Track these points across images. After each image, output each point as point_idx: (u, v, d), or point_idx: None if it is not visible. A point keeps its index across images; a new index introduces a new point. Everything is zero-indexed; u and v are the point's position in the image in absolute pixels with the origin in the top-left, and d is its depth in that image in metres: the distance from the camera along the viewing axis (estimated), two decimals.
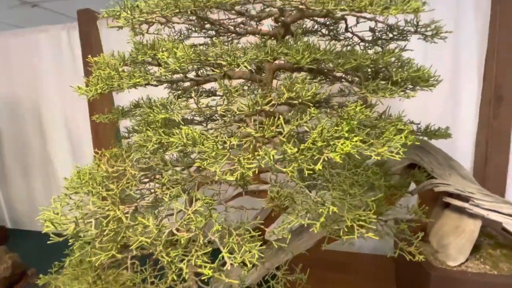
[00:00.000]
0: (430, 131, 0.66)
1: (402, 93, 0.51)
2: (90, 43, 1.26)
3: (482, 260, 0.65)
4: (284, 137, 0.42)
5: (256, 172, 0.63)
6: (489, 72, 0.97)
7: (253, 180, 0.63)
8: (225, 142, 0.45)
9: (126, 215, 0.50)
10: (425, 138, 0.71)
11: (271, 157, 0.40)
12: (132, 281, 0.56)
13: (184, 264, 0.45)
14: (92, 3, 1.29)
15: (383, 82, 0.51)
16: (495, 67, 0.95)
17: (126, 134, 0.82)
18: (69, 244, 0.54)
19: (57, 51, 1.35)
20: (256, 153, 0.43)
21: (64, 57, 1.35)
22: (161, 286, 0.51)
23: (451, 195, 0.68)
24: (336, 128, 0.40)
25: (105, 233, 0.49)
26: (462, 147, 1.04)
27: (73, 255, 0.58)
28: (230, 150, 0.45)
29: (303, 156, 0.39)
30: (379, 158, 0.38)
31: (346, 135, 0.39)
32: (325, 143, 0.39)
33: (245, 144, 0.47)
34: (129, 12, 0.49)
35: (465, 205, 0.65)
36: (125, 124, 0.97)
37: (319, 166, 0.38)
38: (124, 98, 0.90)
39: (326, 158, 0.39)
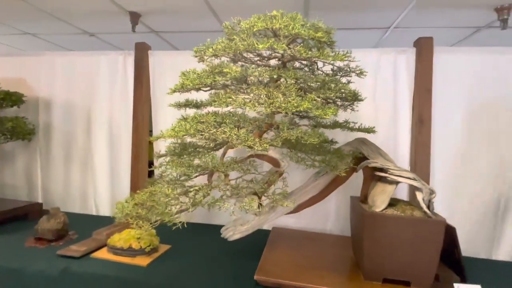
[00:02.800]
0: (365, 128, 1.12)
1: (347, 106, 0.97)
2: (142, 66, 1.74)
3: (395, 209, 1.07)
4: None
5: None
6: (415, 105, 1.47)
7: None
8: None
9: None
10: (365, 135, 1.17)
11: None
12: None
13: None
14: (136, 39, 1.80)
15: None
16: (418, 102, 1.46)
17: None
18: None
19: (113, 70, 1.82)
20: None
21: (118, 75, 1.81)
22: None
23: (379, 170, 1.11)
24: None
25: None
26: (402, 152, 1.51)
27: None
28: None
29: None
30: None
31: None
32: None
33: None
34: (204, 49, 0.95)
35: (385, 174, 1.08)
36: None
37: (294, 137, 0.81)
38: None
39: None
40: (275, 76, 0.94)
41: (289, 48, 0.80)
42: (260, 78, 0.90)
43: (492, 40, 1.86)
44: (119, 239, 1.26)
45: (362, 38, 2.05)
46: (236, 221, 1.21)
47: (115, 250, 1.24)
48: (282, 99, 0.76)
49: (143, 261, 1.20)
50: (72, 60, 1.88)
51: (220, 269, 1.18)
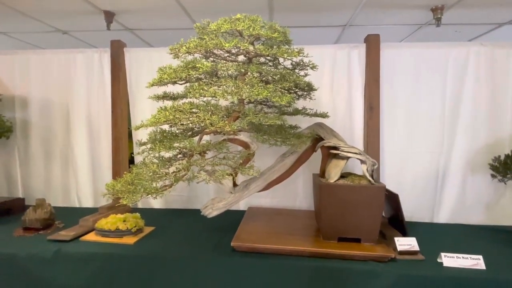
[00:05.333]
0: (320, 114, 1.32)
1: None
2: (118, 63, 1.83)
3: (346, 180, 1.28)
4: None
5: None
6: (366, 94, 1.70)
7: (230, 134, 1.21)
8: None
9: None
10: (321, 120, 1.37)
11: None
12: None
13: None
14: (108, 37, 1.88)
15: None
16: (367, 90, 1.69)
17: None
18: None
19: (90, 67, 1.89)
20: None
21: (95, 72, 1.89)
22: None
23: (333, 149, 1.32)
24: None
25: None
26: (357, 135, 1.74)
27: None
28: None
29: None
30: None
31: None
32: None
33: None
34: (178, 47, 1.09)
35: (337, 151, 1.29)
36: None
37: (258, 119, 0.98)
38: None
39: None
40: (242, 70, 1.10)
41: (252, 47, 0.96)
42: (229, 72, 1.06)
43: (432, 36, 2.14)
44: (106, 222, 1.37)
45: (324, 35, 2.26)
46: (214, 199, 1.37)
47: (103, 233, 1.35)
48: (246, 89, 0.93)
49: (130, 240, 1.33)
50: (47, 58, 1.92)
51: (201, 242, 1.34)
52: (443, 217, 1.73)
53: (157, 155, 1.05)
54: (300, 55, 1.05)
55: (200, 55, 1.20)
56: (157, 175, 0.94)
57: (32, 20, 1.99)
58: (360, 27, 2.08)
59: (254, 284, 1.15)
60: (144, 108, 1.88)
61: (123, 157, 1.86)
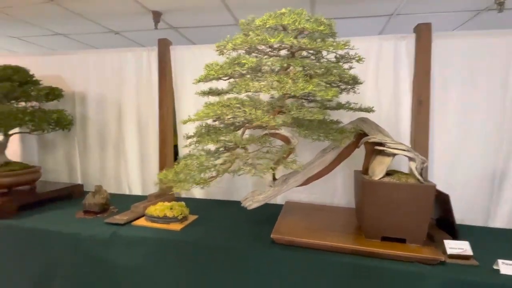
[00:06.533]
0: (365, 108, 1.28)
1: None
2: (165, 60, 1.93)
3: (392, 178, 1.23)
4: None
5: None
6: (414, 87, 1.60)
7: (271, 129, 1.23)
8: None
9: None
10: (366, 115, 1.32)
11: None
12: None
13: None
14: (156, 36, 1.98)
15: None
16: (417, 84, 1.59)
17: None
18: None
19: (139, 65, 2.02)
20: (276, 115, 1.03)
21: (143, 69, 2.02)
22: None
23: (378, 145, 1.27)
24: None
25: None
26: (403, 130, 1.65)
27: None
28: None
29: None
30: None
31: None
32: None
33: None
34: (224, 44, 1.13)
35: (383, 148, 1.24)
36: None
37: (302, 114, 0.98)
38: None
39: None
40: (285, 65, 1.11)
41: (297, 41, 0.96)
42: (272, 67, 1.07)
43: (491, 23, 1.93)
44: (155, 209, 1.48)
45: (367, 27, 2.17)
46: (254, 192, 1.40)
47: (152, 219, 1.46)
48: (291, 83, 0.93)
49: (176, 226, 1.42)
50: (102, 57, 2.09)
51: (241, 232, 1.38)
52: (500, 221, 1.59)
53: (203, 148, 1.10)
54: (346, 47, 1.02)
55: (244, 51, 1.23)
56: (205, 167, 0.99)
57: (88, 22, 2.18)
58: (408, 16, 1.96)
59: (293, 277, 1.17)
60: (187, 103, 1.97)
61: (169, 149, 1.98)
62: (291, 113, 0.93)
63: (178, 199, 1.91)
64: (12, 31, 2.44)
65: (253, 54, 1.24)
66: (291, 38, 0.95)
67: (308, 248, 1.20)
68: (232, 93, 1.32)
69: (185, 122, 1.20)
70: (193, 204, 1.64)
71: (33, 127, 1.76)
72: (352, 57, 1.17)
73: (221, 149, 1.27)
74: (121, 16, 2.05)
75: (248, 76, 1.14)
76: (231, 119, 1.33)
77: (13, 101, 1.85)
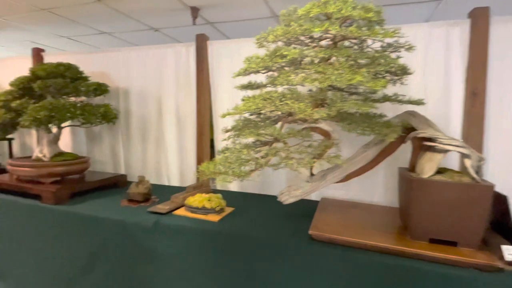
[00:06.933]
0: (414, 101, 1.19)
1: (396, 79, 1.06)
2: (202, 55, 1.97)
3: (443, 176, 1.14)
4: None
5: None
6: (468, 78, 1.47)
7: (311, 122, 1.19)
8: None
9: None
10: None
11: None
12: None
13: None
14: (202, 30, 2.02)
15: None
16: (472, 75, 1.45)
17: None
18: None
19: (178, 60, 2.08)
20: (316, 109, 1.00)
21: (181, 65, 2.08)
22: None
23: (428, 140, 1.18)
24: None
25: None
26: (454, 125, 1.53)
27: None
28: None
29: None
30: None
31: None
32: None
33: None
34: (265, 36, 1.11)
35: (434, 144, 1.15)
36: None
37: (347, 107, 0.94)
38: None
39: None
40: (326, 56, 1.06)
41: (344, 29, 0.92)
42: (312, 59, 1.04)
43: None
44: (194, 200, 1.52)
45: (413, 14, 2.02)
46: (290, 187, 1.39)
47: (191, 209, 1.51)
48: (336, 74, 0.89)
49: (214, 217, 1.45)
50: (144, 53, 2.18)
51: (278, 226, 1.38)
52: None
53: (242, 141, 1.10)
54: (395, 35, 0.96)
55: (282, 43, 1.20)
56: (246, 160, 0.99)
57: (131, 20, 2.29)
58: (460, 0, 1.79)
59: (331, 276, 1.14)
60: (223, 98, 1.99)
61: (205, 143, 2.02)
62: (337, 105, 0.89)
63: (214, 191, 1.95)
64: (61, 31, 2.64)
65: (292, 46, 1.21)
66: (337, 27, 0.90)
67: (348, 247, 1.16)
68: (271, 86, 1.31)
69: (224, 116, 1.21)
70: (228, 196, 1.66)
71: (83, 120, 1.89)
72: (401, 45, 1.09)
73: (257, 142, 1.27)
74: (161, 13, 2.13)
75: (287, 68, 1.12)
76: (269, 112, 1.32)
77: (64, 96, 2.00)
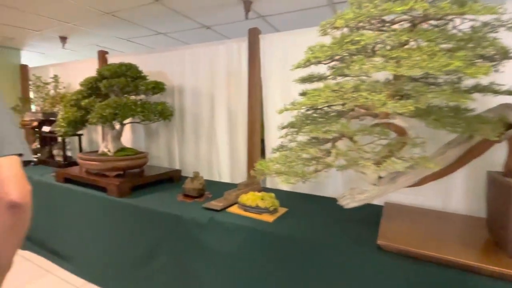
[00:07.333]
0: None
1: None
2: (255, 50, 1.91)
3: None
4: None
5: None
6: None
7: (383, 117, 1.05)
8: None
9: None
10: None
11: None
12: None
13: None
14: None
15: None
16: None
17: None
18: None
19: (230, 57, 2.06)
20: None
21: (233, 61, 2.05)
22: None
23: None
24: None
25: None
26: None
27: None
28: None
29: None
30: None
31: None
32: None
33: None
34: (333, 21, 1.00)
35: None
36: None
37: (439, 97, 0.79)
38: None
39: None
40: (407, 39, 0.91)
41: (431, 7, 0.77)
42: (386, 45, 0.90)
43: None
44: (247, 198, 1.48)
45: None
46: (353, 190, 1.26)
47: (245, 207, 1.47)
48: (427, 59, 0.75)
49: (268, 218, 1.39)
50: (196, 51, 2.21)
51: (338, 231, 1.26)
52: None
53: (297, 138, 1.02)
54: (499, 11, 0.77)
55: (347, 29, 1.08)
56: (308, 159, 0.91)
57: (184, 18, 2.33)
58: None
59: None
60: (274, 93, 1.92)
61: (256, 139, 1.98)
62: (427, 96, 0.75)
63: (264, 189, 1.90)
64: (121, 33, 2.81)
65: (360, 32, 1.08)
66: (425, 4, 0.76)
67: (424, 261, 1.01)
68: (333, 78, 1.19)
69: (281, 112, 1.13)
70: (279, 195, 1.59)
71: (142, 117, 1.98)
72: (502, 23, 0.89)
73: (313, 140, 1.17)
74: (215, 9, 2.12)
75: (355, 57, 0.99)
76: (327, 107, 1.21)
77: (126, 95, 2.12)
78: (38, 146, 2.97)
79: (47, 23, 2.51)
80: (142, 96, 2.21)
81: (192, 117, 2.30)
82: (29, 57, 3.67)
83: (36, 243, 2.26)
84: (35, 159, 2.79)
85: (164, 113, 2.09)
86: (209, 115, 2.21)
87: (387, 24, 1.06)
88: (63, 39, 2.93)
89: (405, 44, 0.98)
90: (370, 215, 1.42)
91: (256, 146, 1.99)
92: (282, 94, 1.89)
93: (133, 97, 2.15)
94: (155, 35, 2.83)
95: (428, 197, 1.53)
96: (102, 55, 2.69)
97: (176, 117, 2.35)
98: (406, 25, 1.01)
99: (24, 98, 3.42)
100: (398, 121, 1.01)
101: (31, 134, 3.18)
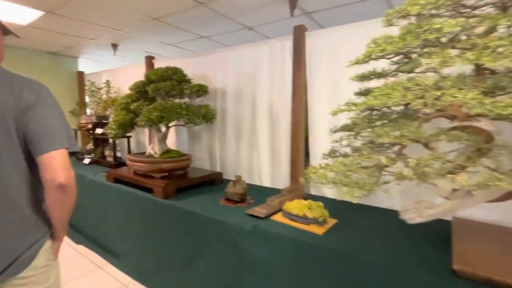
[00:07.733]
0: None
1: None
2: (300, 48, 1.82)
3: None
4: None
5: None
6: None
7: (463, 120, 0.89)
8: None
9: None
10: None
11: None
12: None
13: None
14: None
15: None
16: None
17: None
18: None
19: (273, 57, 1.99)
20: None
21: (277, 61, 1.97)
22: None
23: None
24: None
25: None
26: None
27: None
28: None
29: None
30: None
31: None
32: None
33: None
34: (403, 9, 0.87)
35: None
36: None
37: None
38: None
39: None
40: (491, 26, 0.75)
41: None
42: (478, 31, 0.75)
43: None
44: (293, 207, 1.39)
45: None
46: (419, 203, 1.10)
47: (291, 216, 1.38)
48: None
49: (317, 229, 1.28)
50: (239, 53, 2.18)
51: (400, 250, 1.11)
52: None
53: (348, 144, 0.90)
54: None
55: (415, 18, 0.94)
56: (373, 169, 0.79)
57: (227, 20, 2.31)
58: None
59: None
60: (320, 93, 1.80)
61: (301, 143, 1.88)
62: None
63: (308, 195, 1.79)
64: (167, 39, 2.89)
65: (435, 20, 0.93)
66: None
67: None
68: (395, 74, 1.06)
69: (335, 113, 1.02)
70: (326, 204, 1.47)
71: (187, 120, 1.99)
72: None
73: (369, 145, 1.03)
74: (258, 9, 2.07)
75: (431, 49, 0.85)
76: (385, 108, 1.07)
77: (171, 98, 2.15)
78: (92, 147, 3.18)
79: (101, 32, 2.68)
80: (186, 99, 2.24)
81: (233, 120, 2.27)
82: (85, 64, 3.99)
83: (89, 238, 2.40)
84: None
85: (207, 116, 2.09)
86: (251, 117, 2.16)
87: (467, 10, 0.90)
88: (114, 46, 3.11)
89: (491, 32, 0.81)
90: (433, 230, 1.24)
91: (301, 150, 1.88)
92: (330, 95, 1.76)
93: (177, 100, 2.18)
94: (197, 39, 2.87)
95: (507, 212, 1.30)
96: (149, 60, 2.79)
97: (218, 120, 2.34)
98: (488, 10, 0.85)
99: (80, 103, 3.72)
100: (483, 124, 0.84)
101: (86, 136, 3.44)
